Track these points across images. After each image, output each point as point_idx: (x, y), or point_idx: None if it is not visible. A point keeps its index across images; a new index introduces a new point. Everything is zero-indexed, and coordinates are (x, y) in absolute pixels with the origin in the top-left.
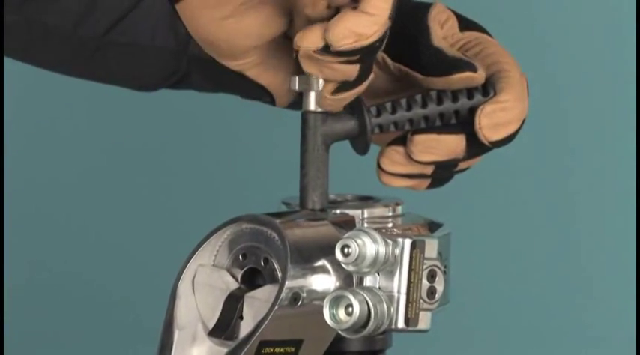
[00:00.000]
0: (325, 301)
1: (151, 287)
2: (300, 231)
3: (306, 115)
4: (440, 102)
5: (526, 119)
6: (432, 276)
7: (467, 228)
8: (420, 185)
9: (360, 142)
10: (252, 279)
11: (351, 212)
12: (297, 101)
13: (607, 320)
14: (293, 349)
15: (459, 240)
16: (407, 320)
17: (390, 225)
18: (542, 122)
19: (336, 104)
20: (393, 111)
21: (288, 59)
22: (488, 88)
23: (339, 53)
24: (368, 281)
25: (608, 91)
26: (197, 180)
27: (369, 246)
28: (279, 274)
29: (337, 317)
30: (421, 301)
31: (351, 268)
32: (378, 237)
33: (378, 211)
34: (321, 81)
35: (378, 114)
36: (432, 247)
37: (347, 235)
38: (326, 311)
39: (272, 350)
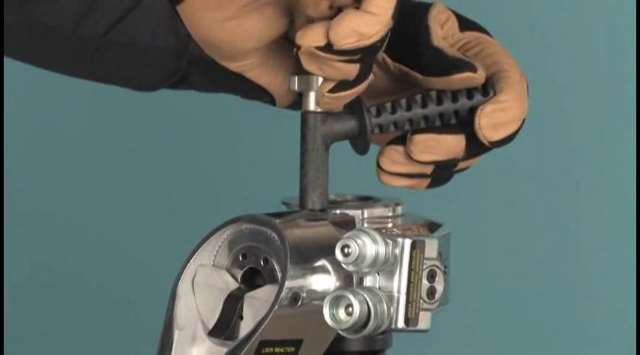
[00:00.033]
0: (325, 301)
1: (151, 287)
2: (300, 231)
3: (305, 115)
4: (440, 102)
5: (526, 119)
6: (431, 276)
7: (467, 228)
8: (419, 184)
9: (359, 142)
10: (252, 279)
11: (350, 212)
12: (298, 101)
13: (607, 320)
14: (293, 349)
15: (459, 240)
16: (407, 320)
17: (389, 225)
18: (542, 122)
19: (334, 102)
20: (393, 111)
21: (288, 60)
22: (488, 88)
23: (341, 52)
24: (368, 281)
25: (608, 91)
26: (197, 180)
27: (368, 246)
28: (279, 274)
29: (337, 317)
30: (421, 301)
31: (351, 268)
32: (377, 237)
33: (378, 211)
34: (320, 81)
35: (378, 114)
36: (431, 247)
37: (347, 235)
38: (326, 311)
39: (272, 350)
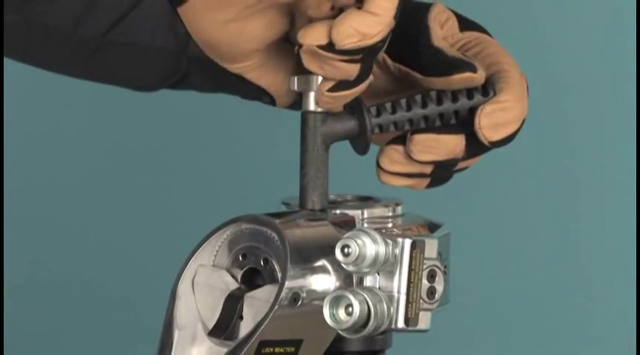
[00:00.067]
0: (325, 301)
1: (151, 287)
2: (299, 231)
3: (305, 115)
4: (440, 102)
5: (526, 119)
6: (431, 276)
7: (467, 228)
8: (419, 184)
9: (359, 142)
10: (252, 279)
11: (350, 212)
12: (298, 101)
13: (607, 320)
14: (293, 349)
15: (459, 240)
16: (407, 320)
17: (389, 225)
18: (542, 122)
19: (333, 102)
20: (393, 111)
21: (288, 60)
22: (488, 88)
23: (343, 52)
24: (368, 281)
25: (608, 91)
26: (197, 180)
27: (368, 246)
28: (279, 274)
29: (337, 317)
30: (421, 301)
31: (350, 268)
32: (377, 237)
33: (378, 211)
34: (320, 80)
35: (378, 114)
36: (431, 247)
37: (347, 235)
38: (326, 311)
39: (272, 350)
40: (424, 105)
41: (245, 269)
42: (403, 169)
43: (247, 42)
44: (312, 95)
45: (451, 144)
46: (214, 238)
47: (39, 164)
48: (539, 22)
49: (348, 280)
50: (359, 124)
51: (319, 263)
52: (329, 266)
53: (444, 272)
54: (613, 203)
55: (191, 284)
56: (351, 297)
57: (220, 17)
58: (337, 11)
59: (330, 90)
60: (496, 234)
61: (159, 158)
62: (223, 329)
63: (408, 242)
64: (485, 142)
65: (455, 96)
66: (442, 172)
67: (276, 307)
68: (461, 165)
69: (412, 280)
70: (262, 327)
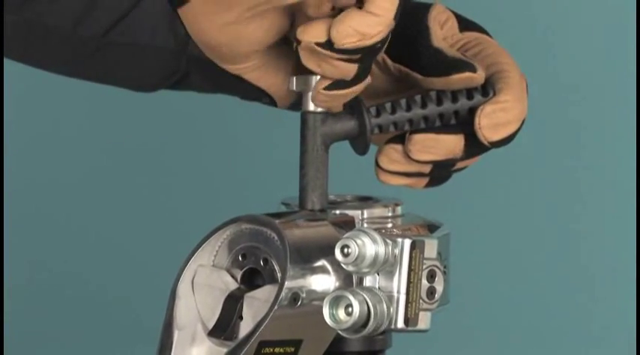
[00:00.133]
0: (325, 301)
1: (150, 287)
2: (299, 231)
3: (305, 116)
4: (439, 102)
5: (526, 119)
6: (431, 276)
7: (467, 228)
8: (417, 183)
9: (359, 143)
10: (251, 279)
11: (350, 212)
12: (298, 102)
13: (607, 320)
14: (293, 349)
15: (459, 240)
16: (406, 321)
17: (389, 225)
18: (542, 122)
19: (329, 100)
20: (393, 111)
21: (288, 61)
22: (487, 89)
23: (341, 51)
24: (367, 281)
25: (608, 91)
26: (197, 180)
27: (368, 246)
28: (279, 274)
29: (337, 318)
30: (421, 301)
31: (350, 268)
32: (377, 237)
33: (378, 211)
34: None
35: (378, 114)
36: (431, 247)
37: (346, 235)
38: (326, 312)
39: (272, 350)
40: (424, 105)
41: (245, 269)
42: (402, 168)
43: (247, 44)
44: (311, 95)
45: (450, 144)
46: (214, 238)
47: (39, 164)
48: (539, 22)
49: (348, 280)
50: (359, 124)
51: (319, 263)
52: (329, 267)
53: (444, 273)
54: (613, 203)
55: (191, 284)
56: (351, 297)
57: (221, 19)
58: (337, 11)
59: (327, 88)
60: (496, 234)
61: (159, 158)
62: (223, 329)
63: (407, 242)
64: (485, 142)
65: (455, 96)
66: (441, 172)
67: (275, 307)
68: (460, 164)
69: (412, 280)
70: (262, 327)
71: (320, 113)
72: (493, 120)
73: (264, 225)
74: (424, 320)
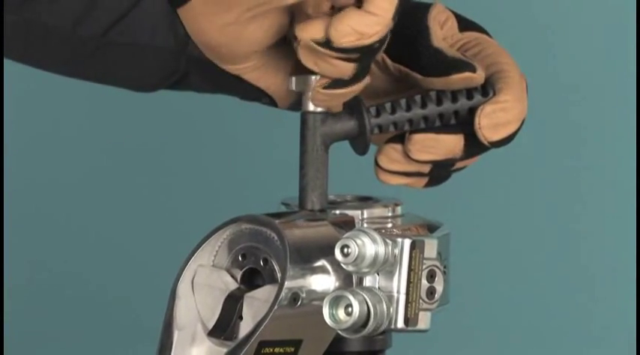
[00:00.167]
0: (325, 301)
1: (150, 287)
2: (299, 231)
3: (305, 116)
4: (439, 102)
5: (525, 119)
6: (431, 276)
7: (467, 228)
8: (417, 183)
9: (359, 143)
10: (251, 279)
11: (350, 212)
12: (299, 102)
13: (607, 320)
14: (292, 349)
15: (459, 240)
16: (406, 320)
17: (389, 225)
18: (542, 122)
19: (327, 100)
20: (393, 111)
21: (287, 61)
22: (487, 89)
23: (339, 49)
24: (367, 281)
25: (608, 91)
26: (197, 180)
27: (368, 246)
28: (279, 274)
29: (337, 317)
30: (420, 301)
31: (350, 268)
32: (377, 237)
33: (378, 211)
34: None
35: (378, 114)
36: (431, 247)
37: (346, 235)
38: (325, 312)
39: (271, 350)
40: (424, 105)
41: (245, 269)
42: (401, 168)
43: (247, 44)
44: (310, 94)
45: (450, 144)
46: (214, 238)
47: (39, 164)
48: (539, 22)
49: (348, 280)
50: (358, 125)
51: (319, 263)
52: (328, 267)
53: (444, 273)
54: (613, 203)
55: (191, 284)
56: (351, 297)
57: (220, 20)
58: (337, 11)
59: (325, 87)
60: (496, 234)
61: (159, 158)
62: (223, 329)
63: (407, 242)
64: (485, 142)
65: (454, 96)
66: (440, 171)
67: (275, 307)
68: (459, 164)
69: (412, 280)
70: (262, 327)
71: (320, 113)
72: (493, 120)
73: (264, 225)
74: (424, 320)
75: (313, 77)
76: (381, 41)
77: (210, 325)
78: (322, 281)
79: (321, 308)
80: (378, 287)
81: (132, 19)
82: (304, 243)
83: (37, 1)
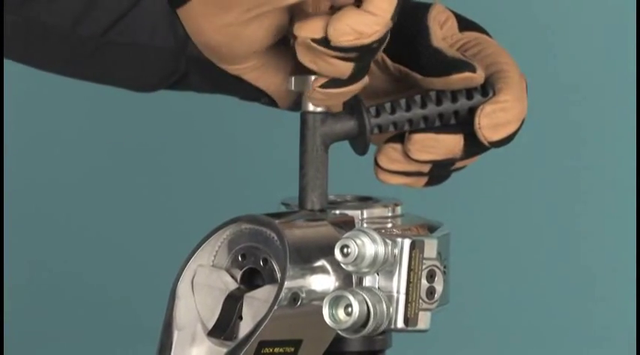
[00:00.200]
0: (324, 301)
1: (150, 288)
2: (299, 231)
3: (305, 116)
4: (439, 102)
5: (525, 119)
6: (431, 276)
7: (467, 228)
8: (416, 182)
9: (359, 143)
10: (251, 280)
11: (350, 212)
12: (299, 102)
13: (608, 320)
14: (292, 349)
15: (459, 240)
16: (406, 320)
17: (389, 225)
18: (542, 122)
19: (325, 99)
20: (392, 111)
21: (287, 61)
22: (487, 88)
23: (337, 48)
24: (367, 281)
25: (608, 91)
26: (197, 180)
27: (368, 246)
28: (279, 274)
29: (336, 317)
30: (420, 301)
31: (350, 268)
32: (377, 237)
33: (378, 211)
34: None
35: (377, 114)
36: (431, 247)
37: (346, 235)
38: (325, 311)
39: (271, 350)
40: (423, 105)
41: (244, 269)
42: (401, 167)
43: (247, 44)
44: (307, 93)
45: (450, 144)
46: (214, 238)
47: (39, 164)
48: (539, 22)
49: (348, 280)
50: (358, 125)
51: (319, 263)
52: (328, 267)
53: (444, 273)
54: (613, 203)
55: (191, 284)
56: (351, 297)
57: (220, 20)
58: (336, 11)
59: (323, 86)
60: (496, 234)
61: (159, 158)
62: (223, 329)
63: (407, 242)
64: (485, 142)
65: (454, 96)
66: (440, 171)
67: (275, 307)
68: (459, 164)
69: (411, 280)
70: (262, 327)
71: (320, 113)
72: (493, 120)
73: (264, 225)
74: (424, 320)
75: (312, 77)
76: (379, 41)
77: (210, 325)
78: (322, 281)
79: (320, 308)
80: (378, 287)
81: (131, 18)
82: (304, 243)
83: (36, 0)
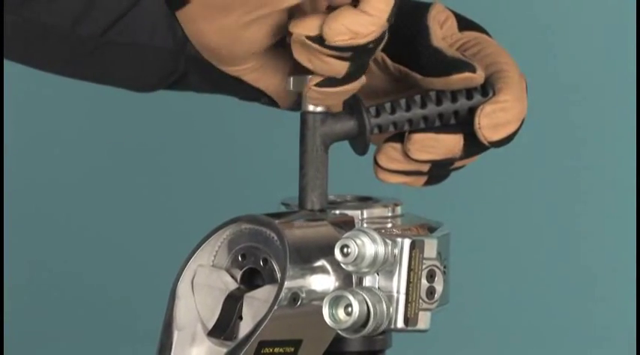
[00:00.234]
0: (324, 301)
1: (150, 288)
2: (299, 231)
3: (305, 116)
4: (439, 102)
5: (525, 119)
6: (431, 276)
7: (467, 228)
8: (416, 182)
9: (359, 143)
10: (251, 280)
11: (350, 212)
12: (299, 102)
13: (608, 320)
14: (292, 349)
15: (459, 240)
16: (406, 320)
17: (389, 225)
18: (542, 122)
19: (321, 98)
20: (392, 111)
21: (286, 62)
22: (487, 88)
23: (332, 47)
24: (367, 281)
25: (608, 91)
26: (197, 180)
27: (368, 246)
28: (279, 274)
29: (336, 317)
30: (420, 301)
31: (350, 268)
32: (377, 237)
33: (378, 211)
34: None
35: (377, 114)
36: (431, 247)
37: (346, 235)
38: (325, 311)
39: (271, 350)
40: (423, 105)
41: (244, 269)
42: (400, 167)
43: (246, 46)
44: (303, 92)
45: (449, 144)
46: (214, 238)
47: (39, 164)
48: (539, 22)
49: (348, 280)
50: (358, 125)
51: (318, 263)
52: (328, 267)
53: (444, 272)
54: (613, 203)
55: (190, 284)
56: (351, 297)
57: (219, 23)
58: (333, 10)
59: (318, 85)
60: (496, 234)
61: (158, 158)
62: (223, 329)
63: (407, 242)
64: (485, 142)
65: (454, 96)
66: (439, 170)
67: (275, 307)
68: (458, 164)
69: (411, 280)
70: (262, 327)
71: (319, 113)
72: (493, 120)
73: (264, 225)
74: (424, 320)
75: (310, 77)
76: (375, 42)
77: (210, 325)
78: (322, 281)
79: (320, 308)
80: (378, 287)
81: (131, 18)
82: (304, 243)
83: (36, 0)
